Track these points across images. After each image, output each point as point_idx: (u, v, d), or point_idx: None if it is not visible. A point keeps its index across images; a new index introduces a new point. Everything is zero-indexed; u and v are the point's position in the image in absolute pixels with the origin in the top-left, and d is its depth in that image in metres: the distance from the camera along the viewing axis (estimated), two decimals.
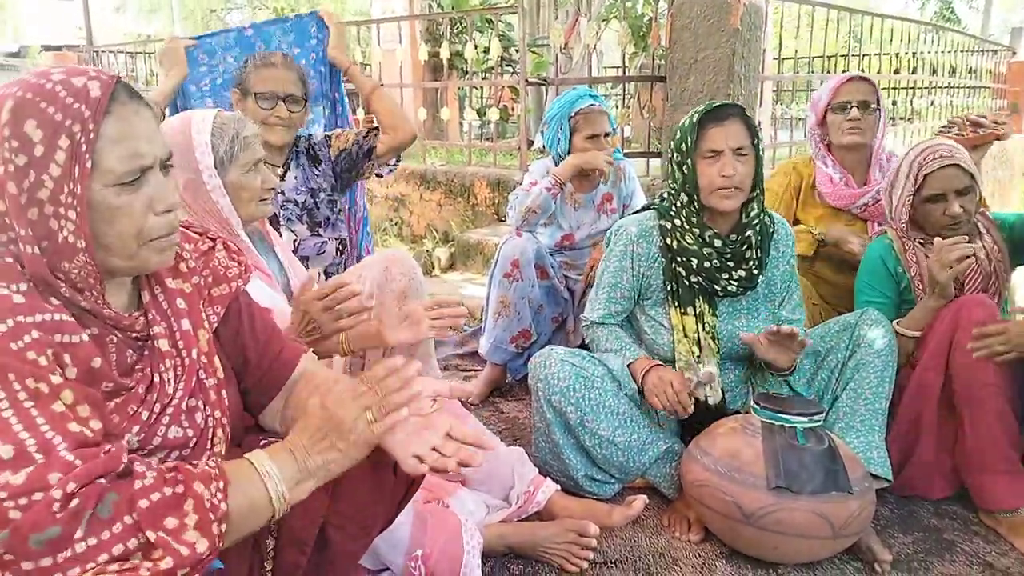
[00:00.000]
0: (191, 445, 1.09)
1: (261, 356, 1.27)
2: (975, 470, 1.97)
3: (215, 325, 1.18)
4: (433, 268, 4.47)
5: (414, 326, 1.78)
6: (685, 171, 1.98)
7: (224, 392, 1.15)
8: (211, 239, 1.22)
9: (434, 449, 1.09)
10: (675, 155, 2.02)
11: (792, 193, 2.69)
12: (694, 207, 2.01)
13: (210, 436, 1.11)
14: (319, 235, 2.38)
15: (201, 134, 1.67)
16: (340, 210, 2.48)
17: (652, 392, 1.96)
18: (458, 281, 4.28)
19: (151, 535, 0.87)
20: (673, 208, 2.05)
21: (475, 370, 3.07)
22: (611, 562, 1.81)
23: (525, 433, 2.45)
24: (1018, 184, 8.21)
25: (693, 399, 1.93)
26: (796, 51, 6.00)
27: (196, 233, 1.22)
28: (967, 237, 2.03)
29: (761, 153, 1.98)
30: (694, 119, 1.97)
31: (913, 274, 2.17)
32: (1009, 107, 8.98)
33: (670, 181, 2.07)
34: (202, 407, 1.11)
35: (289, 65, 2.29)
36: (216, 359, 1.15)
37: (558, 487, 1.93)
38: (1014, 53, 9.39)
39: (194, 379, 1.11)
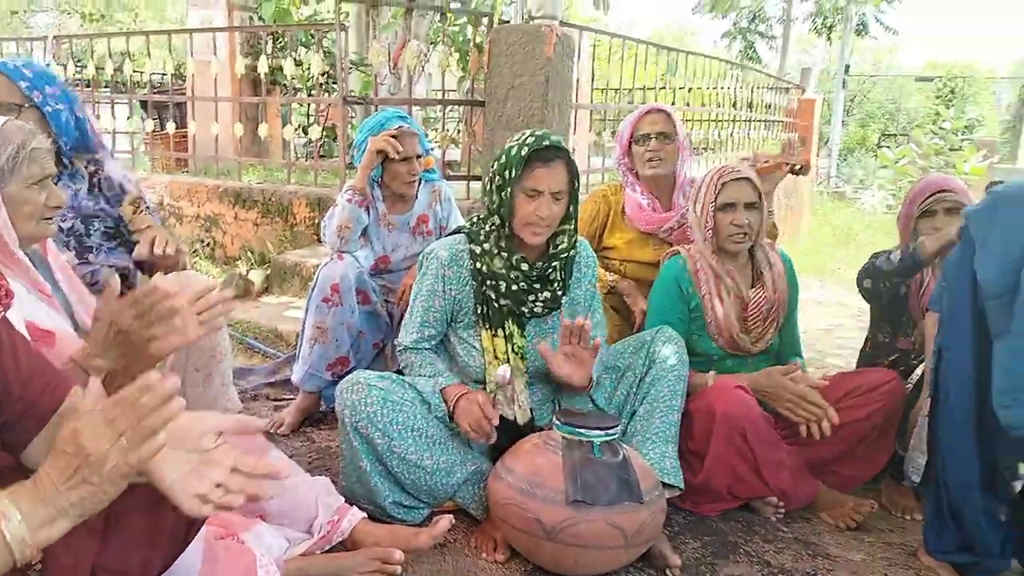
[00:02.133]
0: None
1: (24, 388, 1.15)
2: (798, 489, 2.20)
3: None
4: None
5: (183, 328, 1.66)
6: (503, 197, 2.02)
7: None
8: None
9: (219, 486, 1.01)
10: (496, 179, 2.04)
11: (600, 222, 2.83)
12: (504, 231, 2.06)
13: None
14: (88, 262, 2.20)
15: None
16: (125, 241, 2.27)
17: (460, 416, 1.99)
18: (273, 305, 4.12)
19: None
20: (483, 232, 2.09)
21: (287, 399, 2.97)
22: None
23: (337, 463, 2.38)
24: (806, 211, 9.09)
25: (499, 419, 1.97)
26: (608, 82, 6.33)
27: None
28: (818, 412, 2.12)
29: (576, 192, 2.05)
30: (523, 153, 1.98)
31: (703, 294, 2.32)
32: (799, 140, 9.93)
33: (485, 200, 2.10)
34: None
35: None
36: None
37: (364, 515, 1.90)
38: (803, 91, 10.41)
39: None
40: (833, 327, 4.70)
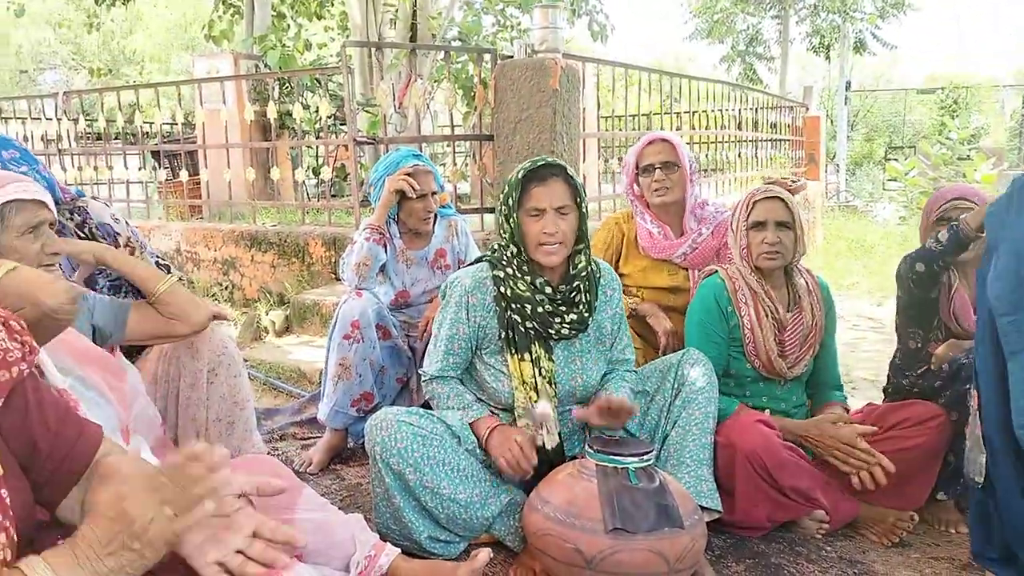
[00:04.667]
0: None
1: (53, 445, 1.14)
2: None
3: None
4: (267, 333, 4.29)
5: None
6: (511, 225, 2.05)
7: (4, 491, 1.02)
8: None
9: (239, 552, 1.00)
10: (503, 208, 2.08)
11: (615, 249, 2.82)
12: (523, 257, 2.07)
13: None
14: None
15: None
16: (132, 288, 2.18)
17: (496, 452, 1.98)
18: (294, 344, 4.13)
19: None
20: (504, 258, 2.10)
21: (314, 437, 2.95)
22: None
23: (368, 499, 2.36)
24: (819, 225, 9.07)
25: (538, 447, 1.96)
26: (613, 110, 6.38)
27: None
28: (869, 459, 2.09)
29: (584, 209, 2.06)
30: (519, 176, 2.04)
31: (743, 314, 2.29)
32: (806, 157, 9.95)
33: (500, 232, 2.12)
34: None
35: None
36: None
37: (399, 551, 1.87)
38: (807, 109, 10.45)
39: None
40: (857, 340, 4.66)
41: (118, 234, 2.20)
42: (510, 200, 2.05)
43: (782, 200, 2.28)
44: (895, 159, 12.75)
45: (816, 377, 2.42)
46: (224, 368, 2.08)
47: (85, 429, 1.20)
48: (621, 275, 2.81)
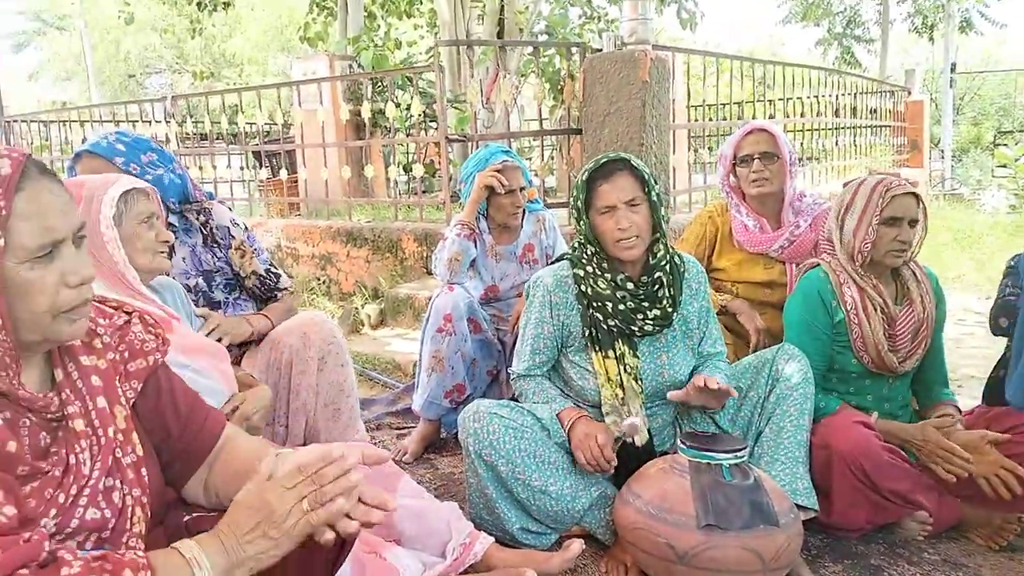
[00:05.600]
0: (110, 527, 1.06)
1: (183, 429, 1.25)
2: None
3: (132, 400, 1.16)
4: (362, 326, 4.44)
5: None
6: (584, 224, 2.07)
7: (144, 469, 1.12)
8: (127, 313, 1.21)
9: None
10: (574, 210, 2.11)
11: (707, 243, 2.77)
12: (602, 255, 2.08)
13: (129, 516, 1.08)
14: None
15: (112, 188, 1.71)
16: (245, 288, 2.36)
17: (577, 447, 2.00)
18: (388, 337, 4.26)
19: None
20: (584, 256, 2.11)
21: (409, 427, 3.05)
22: None
23: (461, 489, 2.43)
24: None
25: (619, 445, 1.97)
26: (704, 99, 6.28)
27: (111, 308, 1.20)
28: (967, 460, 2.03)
29: (655, 198, 2.05)
30: (583, 177, 2.06)
31: (848, 308, 2.20)
32: (909, 144, 9.52)
33: (577, 231, 2.14)
34: (119, 486, 1.09)
35: None
36: (135, 435, 1.12)
37: (493, 539, 1.92)
38: (909, 93, 9.99)
39: (110, 458, 1.08)
40: (963, 336, 4.45)
41: (233, 237, 2.31)
42: (579, 202, 2.07)
43: (916, 196, 2.18)
44: (1005, 144, 12.06)
45: (923, 375, 2.33)
46: (333, 357, 2.18)
47: (210, 415, 1.29)
48: (716, 270, 2.76)
